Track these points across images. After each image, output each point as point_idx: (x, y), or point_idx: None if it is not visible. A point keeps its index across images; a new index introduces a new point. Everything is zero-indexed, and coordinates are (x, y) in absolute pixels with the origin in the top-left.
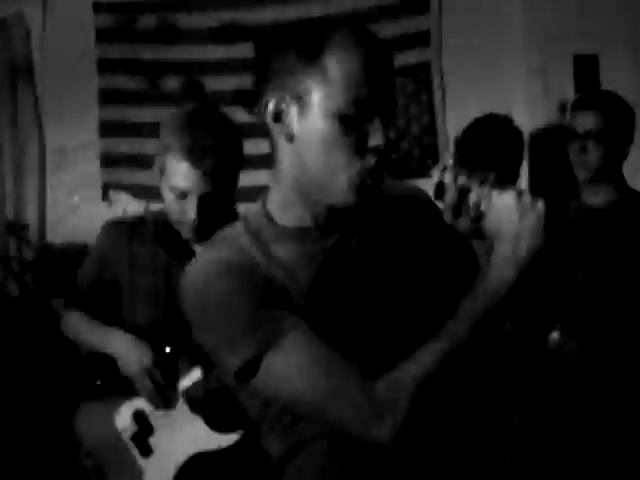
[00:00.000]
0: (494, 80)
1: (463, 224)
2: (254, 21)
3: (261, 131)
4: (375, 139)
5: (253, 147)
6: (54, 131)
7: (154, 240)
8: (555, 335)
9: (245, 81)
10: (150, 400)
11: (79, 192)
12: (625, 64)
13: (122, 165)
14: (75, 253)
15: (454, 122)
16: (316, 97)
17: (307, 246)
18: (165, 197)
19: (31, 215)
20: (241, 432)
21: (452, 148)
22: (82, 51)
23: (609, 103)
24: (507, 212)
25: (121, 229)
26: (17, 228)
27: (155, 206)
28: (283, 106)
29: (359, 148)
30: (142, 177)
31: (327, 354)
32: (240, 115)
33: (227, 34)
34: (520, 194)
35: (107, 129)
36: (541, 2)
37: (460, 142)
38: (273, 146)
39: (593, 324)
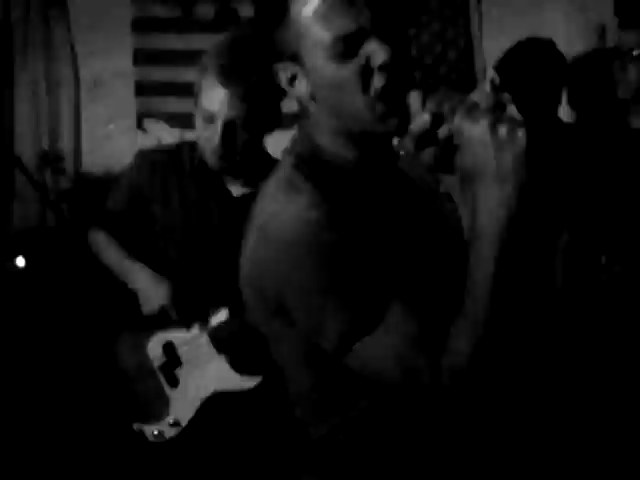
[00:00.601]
0: (532, 3)
1: (428, 156)
2: None
3: None
4: (376, 59)
5: None
6: (88, 62)
7: (189, 175)
8: (603, 260)
9: None
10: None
11: (114, 122)
12: None
13: (156, 93)
14: (111, 182)
15: (491, 46)
16: (306, 52)
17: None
18: (196, 123)
19: (67, 146)
20: (260, 378)
21: (490, 73)
22: None
23: None
24: (482, 147)
25: (155, 162)
26: (52, 159)
27: (189, 135)
28: (290, 72)
29: (364, 75)
30: (176, 105)
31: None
32: None
33: None
34: (495, 124)
35: (141, 57)
36: None
37: (501, 65)
38: (300, 106)
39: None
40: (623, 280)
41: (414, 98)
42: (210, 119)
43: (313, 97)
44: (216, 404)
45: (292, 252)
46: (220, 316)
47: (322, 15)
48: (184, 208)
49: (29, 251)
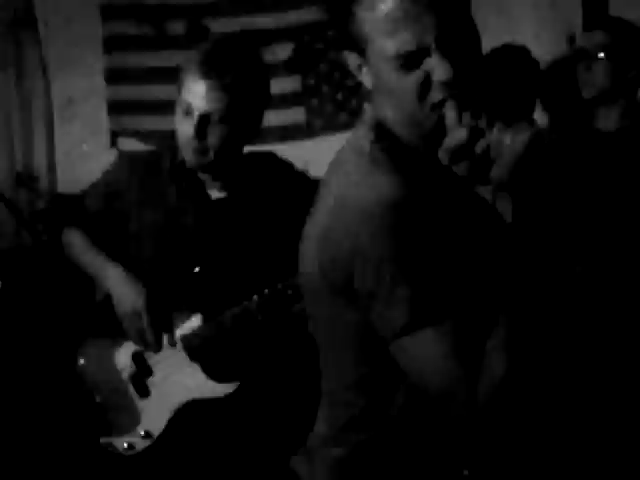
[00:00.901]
0: (501, 13)
1: (463, 168)
2: None
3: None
4: (438, 74)
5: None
6: (60, 81)
7: (168, 176)
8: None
9: (249, 22)
10: (136, 342)
11: (88, 141)
12: None
13: (129, 112)
14: None
15: None
16: (371, 54)
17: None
18: (175, 117)
19: (41, 166)
20: (237, 383)
21: None
22: None
23: (618, 24)
24: (521, 159)
25: (134, 162)
26: (27, 179)
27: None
28: (357, 62)
29: (423, 87)
30: (150, 123)
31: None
32: None
33: None
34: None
35: (113, 76)
36: None
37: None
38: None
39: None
40: (585, 281)
41: (450, 110)
42: (188, 111)
43: (375, 90)
44: (190, 412)
45: (374, 222)
46: (193, 322)
47: (386, 27)
48: (160, 209)
49: (5, 272)
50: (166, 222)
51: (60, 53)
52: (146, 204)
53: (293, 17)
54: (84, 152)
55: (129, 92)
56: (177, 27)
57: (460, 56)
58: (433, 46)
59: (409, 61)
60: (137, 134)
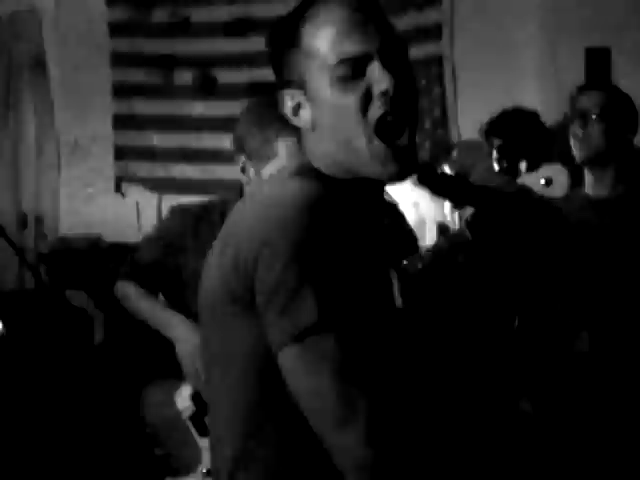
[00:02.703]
0: (506, 72)
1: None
2: (266, 14)
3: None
4: (378, 85)
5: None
6: (68, 124)
7: (218, 229)
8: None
9: (257, 74)
10: (196, 384)
11: (92, 184)
12: (637, 57)
13: (135, 158)
14: (89, 245)
15: (465, 115)
16: (311, 76)
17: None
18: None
19: (46, 208)
20: None
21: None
22: (95, 45)
23: (612, 87)
24: None
25: (186, 214)
26: (32, 220)
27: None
28: (295, 100)
29: (364, 102)
30: (155, 170)
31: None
32: None
33: (240, 27)
34: None
35: (120, 122)
36: None
37: (487, 132)
38: (300, 138)
39: (604, 319)
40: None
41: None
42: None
43: (314, 125)
44: None
45: (288, 215)
46: None
47: (332, 39)
48: None
49: (7, 314)
50: None
51: (69, 98)
52: (199, 253)
53: None
54: (88, 195)
55: (135, 139)
56: (185, 76)
57: (402, 68)
58: (376, 55)
59: (350, 71)
60: (141, 181)
